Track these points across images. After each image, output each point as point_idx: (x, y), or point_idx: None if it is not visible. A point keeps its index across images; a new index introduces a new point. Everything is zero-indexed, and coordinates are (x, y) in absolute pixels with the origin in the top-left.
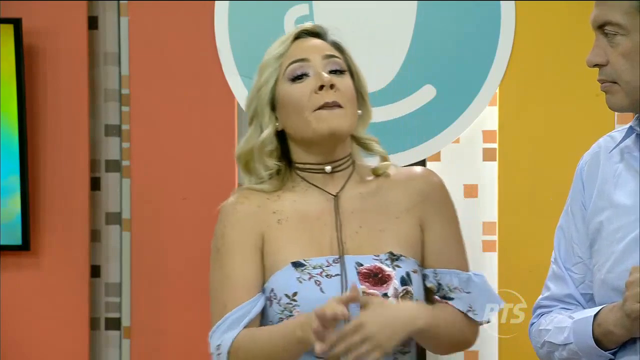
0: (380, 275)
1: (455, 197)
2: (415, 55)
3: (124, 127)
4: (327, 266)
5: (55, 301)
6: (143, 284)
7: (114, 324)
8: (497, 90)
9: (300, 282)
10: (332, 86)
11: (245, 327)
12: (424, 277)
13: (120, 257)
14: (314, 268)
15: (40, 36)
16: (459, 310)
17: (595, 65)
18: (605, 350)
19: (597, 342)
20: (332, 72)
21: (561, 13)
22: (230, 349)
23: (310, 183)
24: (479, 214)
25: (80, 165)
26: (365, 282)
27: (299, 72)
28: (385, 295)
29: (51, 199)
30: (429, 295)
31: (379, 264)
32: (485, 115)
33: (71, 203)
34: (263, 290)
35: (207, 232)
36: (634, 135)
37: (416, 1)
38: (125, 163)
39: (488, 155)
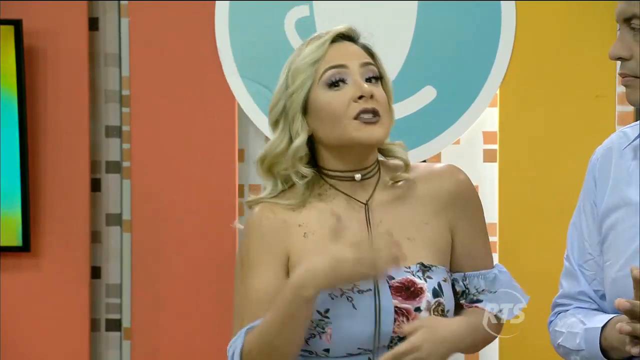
0: (412, 289)
1: None
2: (416, 56)
3: (125, 128)
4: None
5: (56, 302)
6: (143, 285)
7: (114, 325)
8: (498, 92)
9: (332, 298)
10: (371, 96)
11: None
12: (453, 281)
13: (121, 258)
14: None
15: (40, 37)
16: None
17: (618, 59)
18: None
19: (605, 353)
20: (368, 80)
21: (561, 14)
22: (242, 352)
23: (338, 190)
24: None
25: (80, 166)
26: (398, 296)
27: (336, 78)
28: (417, 309)
29: (51, 200)
30: (458, 300)
31: (410, 277)
32: (485, 117)
33: (71, 204)
34: None
35: (208, 233)
36: None
37: (416, 2)
38: (125, 164)
39: (488, 156)
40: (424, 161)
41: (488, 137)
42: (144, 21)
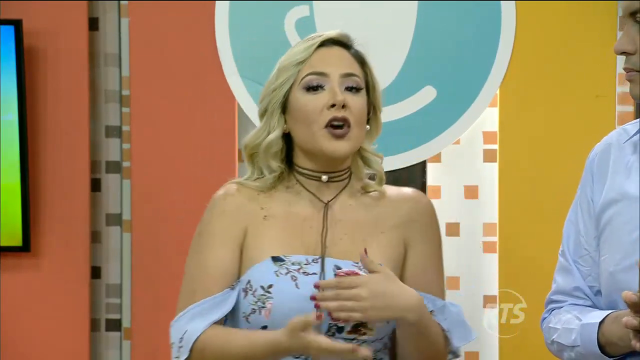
0: None
1: (456, 198)
2: (416, 56)
3: (125, 128)
4: (305, 264)
5: (56, 302)
6: (143, 285)
7: (114, 325)
8: (498, 92)
9: (277, 275)
10: (343, 105)
11: (214, 323)
12: None
13: (121, 258)
14: (293, 264)
15: (40, 37)
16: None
17: (623, 53)
18: (611, 357)
19: (602, 348)
20: (347, 89)
21: (561, 14)
22: (196, 343)
23: (304, 188)
24: (479, 215)
25: (80, 166)
26: None
27: (314, 84)
28: None
29: (51, 200)
30: None
31: (356, 270)
32: (485, 117)
33: (71, 204)
34: (239, 282)
35: None
36: None
37: (417, 2)
38: (125, 164)
39: (488, 156)
40: (424, 161)
41: (488, 137)
42: (144, 21)
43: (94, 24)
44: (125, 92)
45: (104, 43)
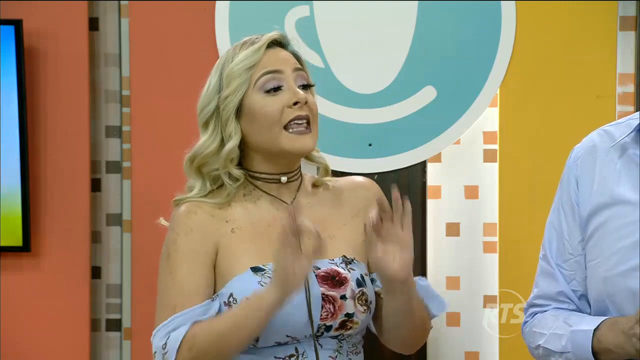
0: (337, 278)
1: (456, 198)
2: (416, 57)
3: (125, 128)
4: None
5: (56, 302)
6: (144, 285)
7: (114, 325)
8: (498, 92)
9: (262, 285)
10: (305, 102)
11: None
12: (372, 281)
13: (121, 259)
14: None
15: (40, 37)
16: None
17: None
18: None
19: (595, 355)
20: (301, 87)
21: (561, 14)
22: (182, 344)
23: (263, 191)
24: (479, 215)
25: (80, 166)
26: (325, 284)
27: (273, 85)
28: (343, 297)
29: (52, 200)
30: (377, 299)
31: (335, 267)
32: (485, 117)
33: (72, 204)
34: (219, 295)
35: None
36: (634, 132)
37: (416, 2)
38: (125, 164)
39: (488, 156)
40: (424, 161)
41: (488, 137)
42: (144, 21)
43: (94, 24)
44: (125, 92)
45: (104, 43)
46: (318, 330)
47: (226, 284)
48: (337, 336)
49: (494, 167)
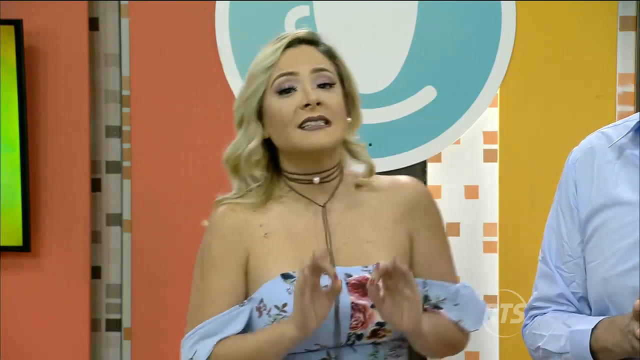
0: None
1: (456, 198)
2: (416, 56)
3: (125, 128)
4: None
5: (56, 302)
6: (144, 285)
7: (114, 325)
8: (498, 92)
9: (290, 293)
10: (318, 103)
11: (223, 338)
12: None
13: (121, 258)
14: None
15: (40, 37)
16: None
17: None
18: None
19: (594, 354)
20: (320, 85)
21: (561, 14)
22: (210, 355)
23: (298, 193)
24: (479, 215)
25: (80, 166)
26: (355, 292)
27: (286, 86)
28: (374, 305)
29: (52, 200)
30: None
31: (367, 275)
32: (485, 117)
33: (72, 204)
34: (251, 300)
35: None
36: (632, 132)
37: (416, 2)
38: (125, 164)
39: (489, 156)
40: (424, 161)
41: (488, 137)
42: (144, 21)
43: (94, 24)
44: (125, 92)
45: (104, 43)
46: (349, 339)
47: (258, 289)
48: (371, 344)
49: (494, 167)
